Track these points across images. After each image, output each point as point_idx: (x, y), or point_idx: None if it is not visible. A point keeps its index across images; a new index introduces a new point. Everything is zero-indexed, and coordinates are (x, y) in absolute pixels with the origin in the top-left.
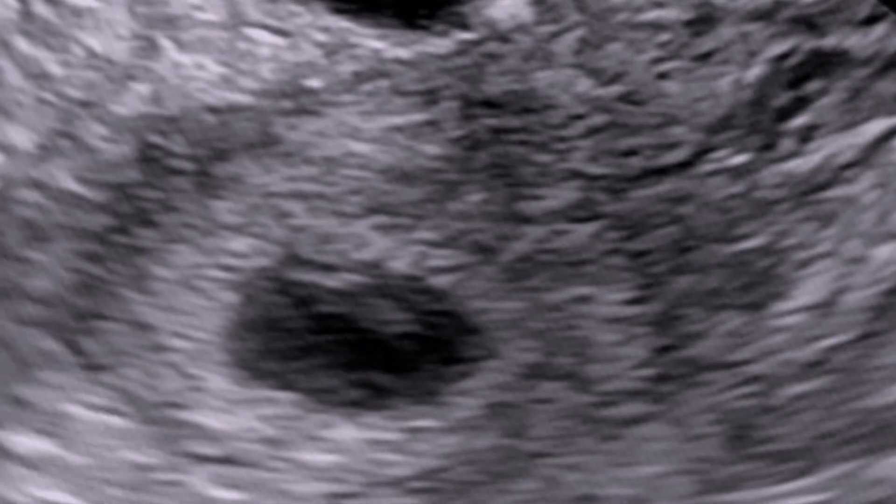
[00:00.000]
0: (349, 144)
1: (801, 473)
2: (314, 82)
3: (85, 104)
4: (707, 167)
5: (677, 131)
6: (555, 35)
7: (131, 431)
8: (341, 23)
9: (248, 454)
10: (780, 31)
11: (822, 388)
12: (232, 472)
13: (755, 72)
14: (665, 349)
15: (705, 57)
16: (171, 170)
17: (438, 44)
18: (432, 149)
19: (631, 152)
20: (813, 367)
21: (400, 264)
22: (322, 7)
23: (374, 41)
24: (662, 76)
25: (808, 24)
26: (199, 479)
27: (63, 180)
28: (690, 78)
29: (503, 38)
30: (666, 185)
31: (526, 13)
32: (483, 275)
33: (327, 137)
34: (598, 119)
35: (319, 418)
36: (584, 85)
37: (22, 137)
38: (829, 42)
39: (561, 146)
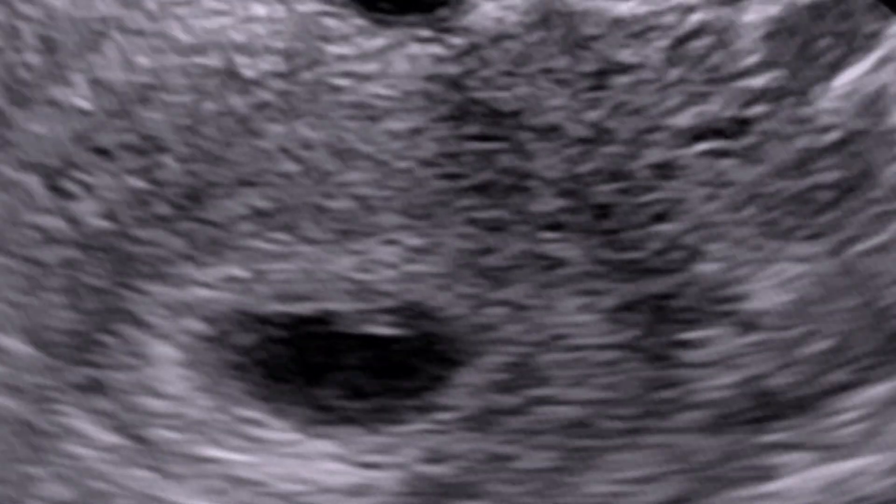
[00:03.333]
0: (335, 150)
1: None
2: (292, 82)
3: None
4: (690, 174)
5: (659, 138)
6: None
7: (115, 449)
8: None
9: (234, 463)
10: None
11: None
12: (217, 484)
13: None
14: (654, 360)
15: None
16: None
17: (423, 47)
18: (418, 155)
19: (617, 162)
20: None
21: (384, 270)
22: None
23: (357, 40)
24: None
25: None
26: (180, 492)
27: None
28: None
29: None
30: (653, 195)
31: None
32: (467, 282)
33: (310, 141)
34: (585, 128)
35: (301, 424)
36: (566, 95)
37: None
38: None
39: (548, 154)
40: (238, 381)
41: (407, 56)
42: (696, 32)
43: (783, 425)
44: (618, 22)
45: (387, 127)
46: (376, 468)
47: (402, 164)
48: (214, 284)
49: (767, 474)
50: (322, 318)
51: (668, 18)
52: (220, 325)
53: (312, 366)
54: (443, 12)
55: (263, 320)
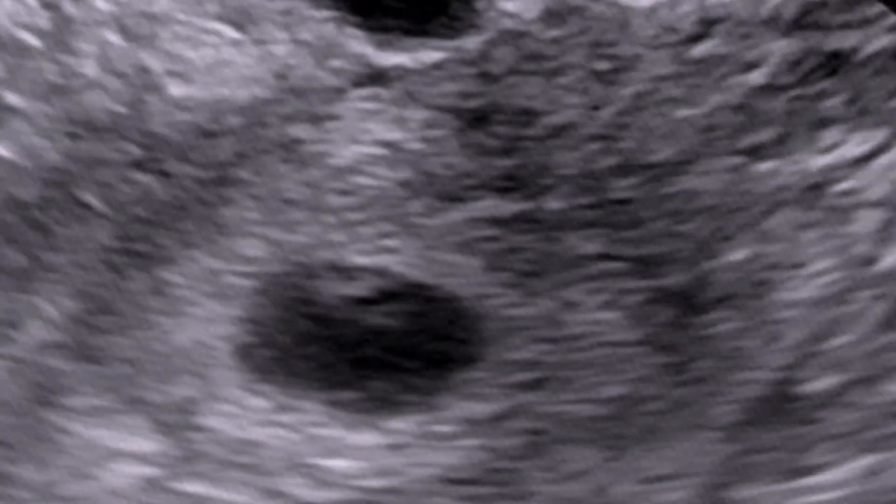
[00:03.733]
0: (354, 152)
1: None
2: (314, 86)
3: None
4: (706, 168)
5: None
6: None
7: (141, 434)
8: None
9: (255, 459)
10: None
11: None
12: (239, 476)
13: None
14: (666, 354)
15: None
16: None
17: (437, 45)
18: (438, 155)
19: (635, 158)
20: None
21: (404, 270)
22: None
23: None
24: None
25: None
26: (207, 483)
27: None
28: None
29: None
30: (673, 188)
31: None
32: (486, 279)
33: (332, 144)
34: (602, 123)
35: (324, 422)
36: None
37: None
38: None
39: (566, 150)
40: (249, 374)
41: (421, 54)
42: (714, 24)
43: (814, 418)
44: (634, 16)
45: (402, 124)
46: (392, 463)
47: (418, 162)
48: (220, 277)
49: (801, 468)
50: (338, 311)
51: (685, 10)
52: (229, 319)
53: (329, 358)
54: (457, 10)
55: (275, 312)
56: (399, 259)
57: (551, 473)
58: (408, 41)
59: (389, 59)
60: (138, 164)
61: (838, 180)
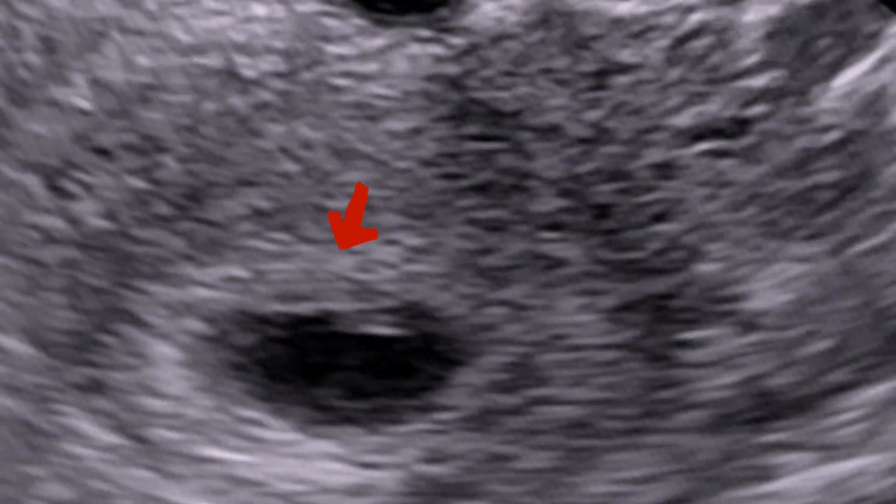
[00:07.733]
0: (332, 150)
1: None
2: (294, 84)
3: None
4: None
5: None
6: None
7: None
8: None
9: (234, 463)
10: None
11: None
12: (217, 484)
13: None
14: (654, 360)
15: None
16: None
17: (423, 47)
18: (418, 155)
19: (616, 162)
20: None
21: (384, 270)
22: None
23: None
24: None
25: None
26: (180, 492)
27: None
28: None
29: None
30: (653, 195)
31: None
32: (467, 282)
33: (310, 141)
34: (584, 128)
35: (302, 424)
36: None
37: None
38: None
39: (548, 154)
40: (238, 381)
41: (407, 56)
42: (696, 32)
43: (783, 425)
44: (617, 22)
45: (386, 127)
46: (376, 468)
47: (402, 164)
48: (214, 284)
49: (767, 474)
50: (322, 318)
51: (668, 18)
52: (220, 325)
53: (312, 366)
54: (443, 12)
55: (263, 320)
56: (376, 261)
57: (525, 474)
58: (389, 41)
59: (371, 59)
60: (120, 157)
61: None
